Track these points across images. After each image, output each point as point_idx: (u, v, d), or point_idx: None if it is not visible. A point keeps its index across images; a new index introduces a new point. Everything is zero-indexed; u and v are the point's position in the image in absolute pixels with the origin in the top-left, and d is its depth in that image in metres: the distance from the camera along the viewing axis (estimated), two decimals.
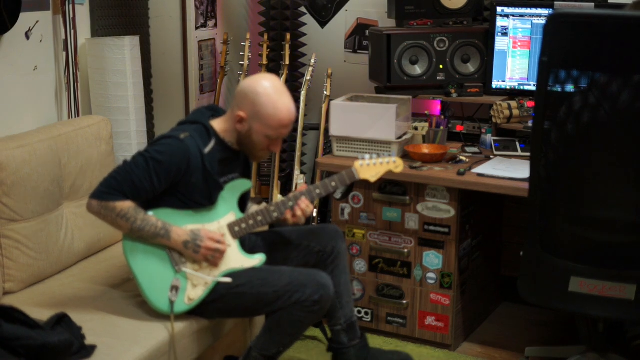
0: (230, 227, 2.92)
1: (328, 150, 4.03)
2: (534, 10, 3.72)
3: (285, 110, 2.85)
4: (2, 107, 3.37)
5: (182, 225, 2.86)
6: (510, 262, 3.96)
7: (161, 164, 2.77)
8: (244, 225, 2.93)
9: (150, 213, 2.83)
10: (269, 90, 2.84)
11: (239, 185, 2.97)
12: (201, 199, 2.87)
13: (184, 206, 2.87)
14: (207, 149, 2.84)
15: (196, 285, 2.86)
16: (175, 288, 2.83)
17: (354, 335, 3.10)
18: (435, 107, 3.98)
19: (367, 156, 3.04)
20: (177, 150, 2.78)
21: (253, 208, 3.07)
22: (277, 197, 4.14)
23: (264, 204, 3.05)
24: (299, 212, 2.94)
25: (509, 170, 3.40)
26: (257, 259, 2.95)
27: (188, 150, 2.79)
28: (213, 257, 2.86)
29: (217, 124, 2.93)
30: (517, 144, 3.66)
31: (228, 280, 2.86)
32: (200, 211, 2.89)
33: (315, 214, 4.16)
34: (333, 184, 2.99)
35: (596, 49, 2.68)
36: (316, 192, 2.99)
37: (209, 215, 2.90)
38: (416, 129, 3.78)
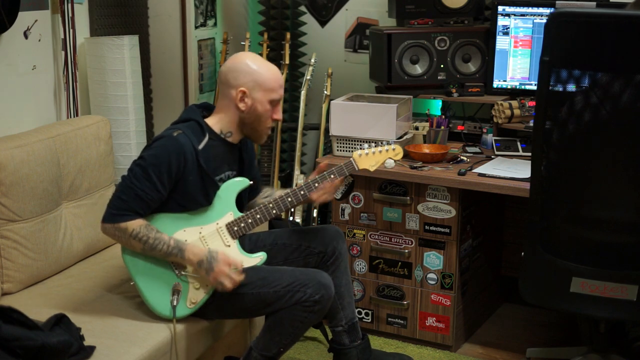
0: (229, 227, 2.91)
1: (328, 150, 4.02)
2: (535, 10, 3.71)
3: (277, 69, 2.94)
4: (1, 106, 3.36)
5: (180, 228, 2.85)
6: (511, 262, 3.95)
7: (160, 167, 2.75)
8: (242, 225, 2.91)
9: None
10: (255, 59, 2.92)
11: (236, 184, 2.95)
12: (198, 198, 2.85)
13: (182, 209, 2.85)
14: (201, 145, 2.83)
15: (198, 288, 2.84)
16: (176, 292, 2.81)
17: (356, 336, 3.09)
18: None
19: (365, 145, 3.05)
20: (172, 149, 2.77)
21: (277, 193, 3.03)
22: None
23: (286, 190, 3.02)
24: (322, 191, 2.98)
25: (510, 170, 3.38)
26: (258, 258, 2.94)
27: (182, 147, 2.78)
28: (222, 283, 2.79)
29: (210, 119, 2.92)
30: (518, 143, 3.65)
31: None
32: (198, 213, 2.87)
33: (315, 214, 4.15)
34: (332, 176, 2.98)
35: (598, 49, 2.67)
36: (315, 185, 2.97)
37: (206, 216, 2.89)
38: (417, 128, 3.77)
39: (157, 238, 2.78)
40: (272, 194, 3.12)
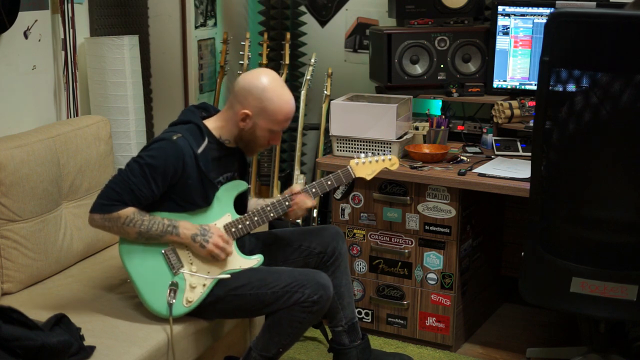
0: (227, 228, 2.91)
1: (328, 150, 4.02)
2: (535, 10, 3.71)
3: (290, 103, 2.88)
4: (1, 106, 3.36)
5: None
6: (511, 262, 3.95)
7: (156, 168, 2.75)
8: (240, 226, 2.92)
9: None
10: (272, 85, 2.85)
11: (235, 186, 2.96)
12: (198, 200, 2.85)
13: (180, 209, 2.85)
14: (200, 149, 2.83)
15: (194, 287, 2.84)
16: (173, 291, 2.81)
17: (356, 336, 3.10)
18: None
19: (362, 155, 3.07)
20: (170, 153, 2.76)
21: (260, 202, 3.05)
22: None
23: (266, 201, 3.03)
24: (296, 208, 2.95)
25: (510, 170, 3.38)
26: (255, 260, 2.94)
27: (182, 151, 2.77)
28: (217, 255, 2.84)
29: (211, 123, 2.92)
30: (518, 143, 3.65)
31: (227, 275, 2.85)
32: (196, 213, 2.87)
33: (315, 215, 4.15)
34: (329, 182, 3.01)
35: (597, 49, 2.67)
36: (312, 191, 2.98)
37: (204, 217, 2.88)
38: (417, 128, 3.77)
39: (151, 220, 2.78)
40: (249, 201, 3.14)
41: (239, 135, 2.91)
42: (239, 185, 2.97)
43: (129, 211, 2.76)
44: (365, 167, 3.06)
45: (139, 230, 2.77)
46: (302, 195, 2.97)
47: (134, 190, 2.75)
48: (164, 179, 2.77)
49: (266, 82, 2.85)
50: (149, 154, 2.79)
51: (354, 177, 3.05)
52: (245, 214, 2.94)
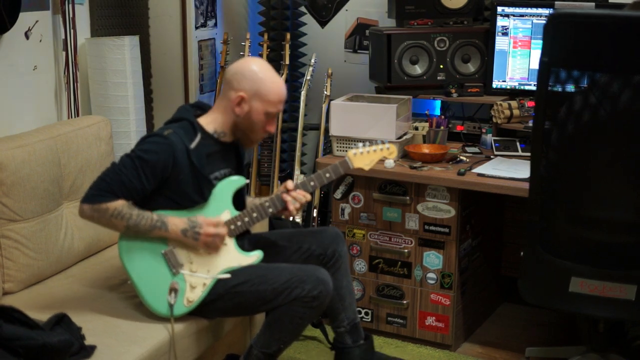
0: (226, 225, 2.91)
1: (328, 150, 4.02)
2: (534, 10, 3.72)
3: (282, 85, 2.92)
4: (2, 107, 3.37)
5: None
6: (510, 262, 3.96)
7: (148, 162, 2.76)
8: (239, 223, 2.92)
9: None
10: (264, 68, 2.91)
11: (233, 183, 2.96)
12: (192, 195, 2.85)
13: (177, 206, 2.85)
14: (193, 145, 2.84)
15: (195, 287, 2.85)
16: (173, 291, 2.82)
17: (358, 336, 3.10)
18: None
19: (360, 144, 3.05)
20: (162, 147, 2.78)
21: (255, 200, 3.05)
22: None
23: (261, 198, 3.03)
24: (296, 204, 2.95)
25: (510, 170, 3.39)
26: (255, 256, 2.94)
27: (173, 146, 2.78)
28: (213, 243, 2.85)
29: (205, 118, 2.93)
30: (518, 144, 3.66)
31: (227, 275, 2.86)
32: (195, 210, 2.87)
33: (315, 214, 4.16)
34: (327, 175, 2.99)
35: (596, 49, 2.68)
36: (310, 185, 2.98)
37: (203, 214, 2.88)
38: (416, 128, 3.78)
39: (140, 214, 2.79)
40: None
41: (235, 124, 2.91)
42: (237, 182, 2.97)
43: (118, 204, 2.77)
44: (364, 157, 3.04)
45: (127, 224, 2.78)
46: (298, 191, 2.97)
47: (124, 182, 2.76)
48: (153, 172, 2.78)
49: (257, 65, 2.90)
50: (140, 148, 2.81)
51: (352, 167, 3.02)
52: (244, 210, 2.94)
